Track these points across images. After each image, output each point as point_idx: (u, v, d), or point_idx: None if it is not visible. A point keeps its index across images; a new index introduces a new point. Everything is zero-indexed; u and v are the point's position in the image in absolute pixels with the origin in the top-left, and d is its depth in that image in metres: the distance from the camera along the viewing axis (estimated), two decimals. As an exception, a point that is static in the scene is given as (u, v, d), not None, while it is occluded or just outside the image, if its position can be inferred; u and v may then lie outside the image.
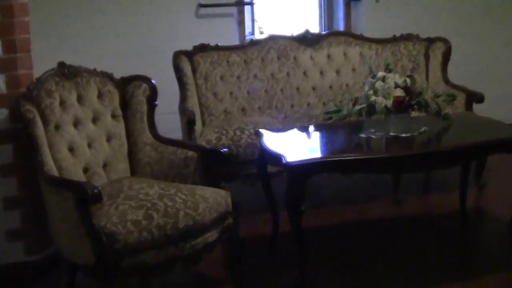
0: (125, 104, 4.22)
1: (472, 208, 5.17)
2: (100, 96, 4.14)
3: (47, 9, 5.76)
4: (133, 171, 4.18)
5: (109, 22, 6.21)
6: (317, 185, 5.44)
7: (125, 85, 4.24)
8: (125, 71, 4.34)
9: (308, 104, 5.80)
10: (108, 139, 4.15)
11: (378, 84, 4.13)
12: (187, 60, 5.47)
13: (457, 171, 4.92)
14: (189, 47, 5.56)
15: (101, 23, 6.16)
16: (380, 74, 4.20)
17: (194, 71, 5.50)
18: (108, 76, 4.22)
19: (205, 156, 3.97)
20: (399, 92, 4.10)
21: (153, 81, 4.25)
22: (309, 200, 3.90)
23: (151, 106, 4.22)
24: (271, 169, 4.37)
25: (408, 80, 4.18)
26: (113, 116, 4.18)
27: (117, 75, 4.26)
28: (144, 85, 4.22)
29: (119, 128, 4.19)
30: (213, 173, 3.98)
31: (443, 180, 5.62)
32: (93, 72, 4.18)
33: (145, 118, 4.20)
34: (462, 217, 4.90)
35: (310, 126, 4.73)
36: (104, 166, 4.09)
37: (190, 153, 4.01)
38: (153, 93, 4.23)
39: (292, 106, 5.76)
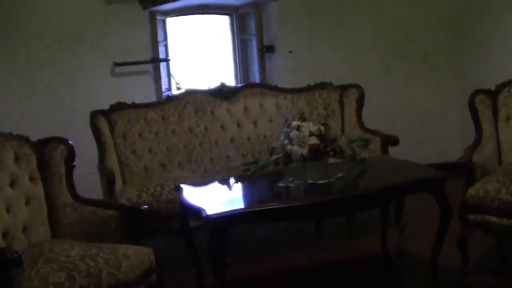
0: (43, 166, 4.18)
1: (395, 249, 5.27)
2: (17, 159, 4.10)
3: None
4: (54, 234, 4.12)
5: (24, 82, 6.18)
6: (242, 234, 5.46)
7: (42, 147, 4.20)
8: (42, 132, 4.32)
9: (227, 157, 5.85)
10: (27, 202, 4.09)
11: (293, 133, 4.21)
12: (104, 119, 5.47)
13: (378, 214, 5.03)
14: (106, 106, 5.56)
15: (16, 83, 6.12)
16: (295, 123, 4.29)
17: (112, 129, 5.49)
18: (24, 139, 4.18)
19: (126, 214, 3.96)
20: (314, 140, 4.18)
21: (70, 142, 4.23)
22: (234, 250, 3.92)
23: (69, 167, 4.20)
24: (194, 223, 4.40)
25: (322, 128, 4.28)
26: (31, 179, 4.13)
27: (34, 137, 4.23)
28: (62, 147, 4.20)
29: (38, 190, 4.14)
30: (135, 230, 3.97)
31: (365, 223, 5.70)
32: (9, 136, 4.13)
33: (63, 179, 4.17)
34: (385, 259, 5.00)
35: (230, 178, 4.77)
36: (24, 229, 4.02)
37: (111, 212, 3.99)
38: (70, 154, 4.20)
39: (211, 159, 5.81)
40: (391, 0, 7.25)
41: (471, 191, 4.43)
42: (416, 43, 7.36)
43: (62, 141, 4.23)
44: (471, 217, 4.41)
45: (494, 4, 6.68)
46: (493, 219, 4.29)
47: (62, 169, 4.18)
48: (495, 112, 5.10)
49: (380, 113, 6.87)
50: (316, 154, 4.18)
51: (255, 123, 6.04)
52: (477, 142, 4.93)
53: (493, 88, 5.16)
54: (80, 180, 4.35)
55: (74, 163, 4.22)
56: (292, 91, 6.23)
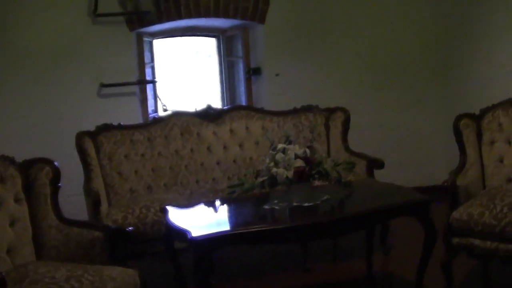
0: (28, 187, 4.17)
1: (380, 272, 5.28)
2: (1, 180, 4.07)
3: None
4: (39, 255, 4.10)
5: (9, 103, 6.18)
6: (228, 257, 5.45)
7: (28, 168, 4.19)
8: (28, 153, 4.32)
9: (213, 179, 5.85)
10: (12, 224, 4.07)
11: (279, 156, 4.24)
12: (90, 140, 5.46)
13: (364, 236, 5.04)
14: (92, 127, 5.56)
15: (1, 104, 6.12)
16: (280, 146, 4.32)
17: (98, 151, 5.49)
18: (10, 160, 4.17)
19: (111, 236, 3.96)
20: (300, 163, 4.21)
21: (55, 163, 4.23)
22: (220, 273, 3.92)
23: (55, 188, 4.18)
24: (180, 245, 4.40)
25: (307, 151, 4.31)
26: (16, 200, 4.11)
27: (19, 158, 4.23)
28: (47, 168, 4.19)
29: (23, 212, 4.12)
30: (121, 252, 3.97)
31: (350, 245, 5.70)
32: (-6, 157, 4.13)
33: (49, 200, 4.15)
34: (370, 282, 5.02)
35: (215, 200, 4.77)
36: (8, 251, 4.00)
37: (96, 233, 3.98)
38: (56, 175, 4.20)
39: (197, 181, 5.80)
40: (376, 24, 7.31)
41: (455, 214, 4.46)
42: (401, 66, 7.42)
43: (48, 162, 4.22)
44: (455, 240, 4.44)
45: (476, 29, 6.75)
46: (477, 242, 4.32)
47: (48, 190, 4.17)
48: (479, 136, 5.14)
49: (365, 135, 6.90)
50: (302, 176, 4.20)
51: (241, 146, 6.05)
52: (462, 165, 4.96)
53: (477, 112, 5.22)
54: (65, 201, 4.34)
55: (60, 184, 4.21)
56: (278, 113, 6.25)
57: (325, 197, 4.36)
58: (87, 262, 3.91)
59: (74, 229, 4.06)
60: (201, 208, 4.61)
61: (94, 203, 4.92)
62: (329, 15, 7.17)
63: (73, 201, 5.18)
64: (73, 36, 6.45)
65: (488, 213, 4.31)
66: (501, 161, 5.04)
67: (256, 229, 3.94)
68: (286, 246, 5.61)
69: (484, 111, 5.21)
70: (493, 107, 5.19)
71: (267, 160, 4.32)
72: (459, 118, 5.13)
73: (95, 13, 6.40)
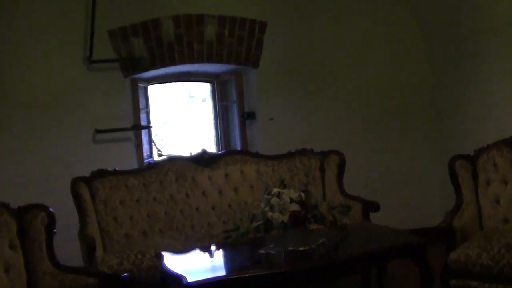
0: (23, 234, 4.16)
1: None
2: (-4, 227, 4.09)
3: None
4: (34, 302, 4.09)
5: (4, 149, 6.19)
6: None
7: (23, 214, 4.19)
8: (22, 199, 4.31)
9: (209, 224, 5.83)
10: (6, 270, 4.06)
11: (274, 200, 4.24)
12: (86, 186, 5.46)
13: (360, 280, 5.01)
14: (87, 173, 5.55)
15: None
16: (275, 190, 4.32)
17: (93, 196, 5.48)
18: (5, 206, 4.17)
19: (106, 282, 3.94)
20: (295, 207, 4.21)
21: (50, 209, 4.23)
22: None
23: (50, 234, 4.18)
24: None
25: (302, 195, 4.31)
26: (11, 247, 4.10)
27: (14, 204, 4.22)
28: (42, 214, 4.19)
29: (17, 258, 4.11)
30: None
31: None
32: (-11, 203, 4.12)
33: (43, 247, 4.15)
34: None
35: (211, 245, 4.76)
36: (3, 298, 3.99)
37: (91, 279, 3.97)
38: (51, 221, 4.20)
39: (192, 226, 5.78)
40: (369, 66, 7.35)
41: (453, 256, 4.45)
42: (395, 108, 7.44)
43: (43, 208, 4.23)
44: (453, 282, 4.43)
45: (469, 70, 6.80)
46: (475, 284, 4.31)
47: (43, 237, 4.17)
48: (474, 176, 5.16)
49: (360, 178, 6.89)
50: (297, 220, 4.21)
51: (236, 190, 6.05)
52: (458, 206, 4.97)
53: (471, 153, 5.24)
54: (60, 246, 4.32)
55: (55, 230, 4.21)
56: (273, 157, 6.27)
57: (320, 241, 4.35)
58: (83, 309, 3.90)
59: (68, 275, 4.06)
60: (197, 253, 4.60)
61: (89, 248, 4.90)
62: (322, 59, 7.21)
63: (68, 247, 5.14)
64: (68, 82, 6.47)
65: (485, 254, 4.30)
66: (497, 201, 5.05)
67: (251, 274, 3.93)
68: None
69: (479, 152, 5.24)
70: (488, 148, 5.22)
71: (262, 205, 4.31)
72: (454, 159, 5.16)
73: (90, 59, 6.44)
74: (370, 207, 5.62)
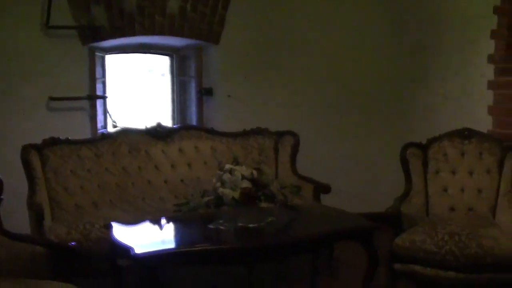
0: (-30, 200, 4.11)
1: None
2: None
3: None
4: (-21, 270, 4.03)
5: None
6: (178, 278, 5.39)
7: (-30, 179, 4.14)
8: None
9: (160, 198, 5.80)
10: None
11: (226, 176, 4.25)
12: (36, 153, 5.37)
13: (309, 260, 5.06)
14: (40, 140, 5.47)
15: None
16: (228, 166, 4.33)
17: (43, 165, 5.40)
18: (-48, 170, 4.11)
19: (54, 251, 3.91)
20: (246, 184, 4.23)
21: (-1, 175, 4.17)
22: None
23: (-3, 201, 4.13)
24: (125, 262, 4.35)
25: (255, 172, 4.33)
26: (-43, 211, 4.05)
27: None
28: (-10, 180, 4.14)
29: (-38, 224, 4.06)
30: (63, 268, 3.92)
31: (296, 269, 5.67)
32: None
33: (-10, 213, 4.09)
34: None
35: (161, 219, 4.75)
36: None
37: (38, 248, 3.93)
38: (-1, 187, 4.14)
39: (144, 199, 5.74)
40: (332, 50, 7.37)
41: (398, 241, 4.53)
42: (355, 94, 7.48)
43: (-9, 174, 4.17)
44: (397, 266, 4.51)
45: (426, 61, 6.90)
46: (418, 268, 4.40)
47: (-10, 203, 4.11)
48: (425, 165, 5.24)
49: (315, 160, 6.94)
50: (248, 198, 4.22)
51: (189, 165, 6.04)
52: (406, 193, 5.05)
53: (424, 142, 5.31)
54: (7, 214, 4.26)
55: (2, 197, 4.15)
56: (228, 135, 6.28)
57: (270, 219, 4.38)
58: (29, 278, 3.86)
59: (16, 243, 4.00)
60: (146, 226, 4.58)
61: (37, 217, 4.86)
62: (284, 38, 7.20)
63: (16, 215, 5.07)
64: (23, 48, 6.36)
65: (429, 240, 4.39)
66: (445, 190, 5.15)
67: (200, 248, 3.94)
68: (235, 270, 5.52)
69: (431, 141, 5.32)
70: (440, 138, 5.30)
71: (214, 180, 4.32)
72: (406, 146, 5.23)
73: (47, 25, 6.33)
74: (321, 188, 5.69)
